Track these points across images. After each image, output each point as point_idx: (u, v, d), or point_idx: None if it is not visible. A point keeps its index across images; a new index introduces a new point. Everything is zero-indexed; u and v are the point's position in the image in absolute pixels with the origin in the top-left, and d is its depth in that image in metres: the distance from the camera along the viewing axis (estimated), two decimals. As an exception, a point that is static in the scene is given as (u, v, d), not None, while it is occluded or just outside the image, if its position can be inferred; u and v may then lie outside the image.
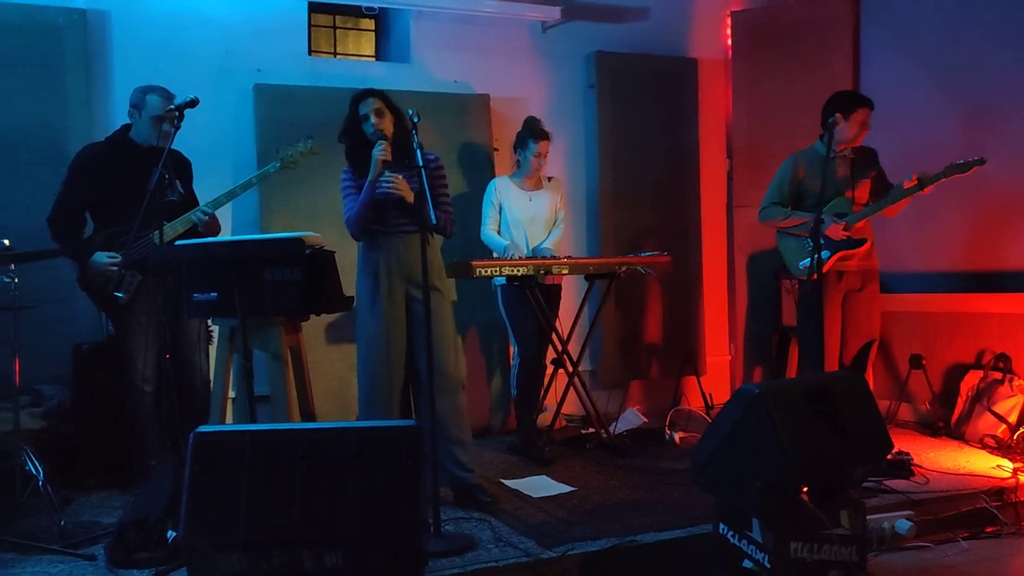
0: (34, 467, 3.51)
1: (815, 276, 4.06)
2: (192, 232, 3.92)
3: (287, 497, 2.32)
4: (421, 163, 3.25)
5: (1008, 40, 4.86)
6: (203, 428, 2.43)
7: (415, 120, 3.35)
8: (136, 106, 3.92)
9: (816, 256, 3.95)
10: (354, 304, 3.81)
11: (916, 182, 4.25)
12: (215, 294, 3.32)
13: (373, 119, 3.61)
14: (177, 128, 3.44)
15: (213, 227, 3.95)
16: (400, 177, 3.58)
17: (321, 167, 4.65)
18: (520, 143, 4.82)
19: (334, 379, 4.92)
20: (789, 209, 4.51)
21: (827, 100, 4.46)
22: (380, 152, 3.54)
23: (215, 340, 4.16)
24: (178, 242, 3.56)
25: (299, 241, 3.14)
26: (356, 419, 4.10)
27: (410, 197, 3.58)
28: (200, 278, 3.39)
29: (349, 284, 3.79)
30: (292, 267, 3.29)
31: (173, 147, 3.51)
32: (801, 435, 2.74)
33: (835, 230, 4.36)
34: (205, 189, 4.18)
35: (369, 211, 3.61)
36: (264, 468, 2.35)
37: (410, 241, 3.65)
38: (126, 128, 4.01)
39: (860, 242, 4.39)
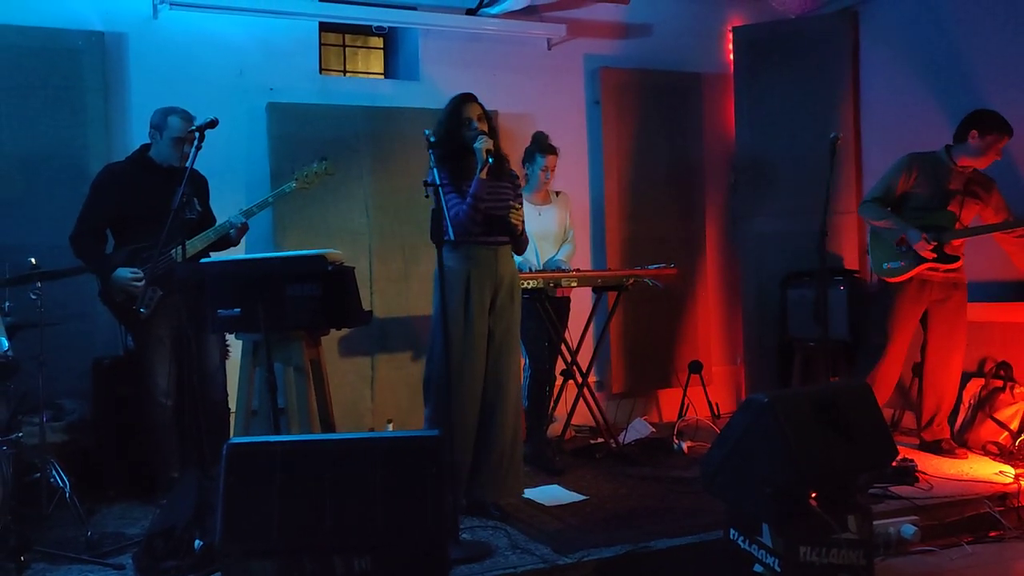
0: (60, 479, 3.60)
1: (892, 279, 4.40)
2: (215, 246, 4.03)
3: (317, 505, 2.41)
4: (437, 181, 3.35)
5: (1007, 54, 4.96)
6: (236, 440, 2.52)
7: (431, 140, 3.46)
8: (157, 127, 4.02)
9: (822, 276, 4.01)
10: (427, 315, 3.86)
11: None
12: (238, 309, 3.41)
13: (476, 123, 3.65)
14: (199, 148, 3.54)
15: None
16: (520, 208, 3.70)
17: (334, 184, 4.75)
18: (528, 158, 4.93)
19: (348, 391, 5.01)
20: (889, 211, 4.55)
21: (969, 114, 4.45)
22: (485, 143, 3.56)
23: (231, 355, 4.26)
24: (203, 259, 3.66)
25: (321, 258, 3.25)
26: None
27: (520, 226, 3.70)
28: (224, 294, 3.48)
29: (366, 300, 3.87)
30: (313, 283, 3.39)
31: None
32: (809, 442, 2.83)
33: (922, 247, 4.39)
34: (221, 206, 4.28)
35: (481, 203, 3.58)
36: (295, 478, 2.44)
37: (501, 252, 3.73)
38: (146, 148, 4.11)
39: (953, 259, 4.43)
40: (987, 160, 4.43)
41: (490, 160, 3.50)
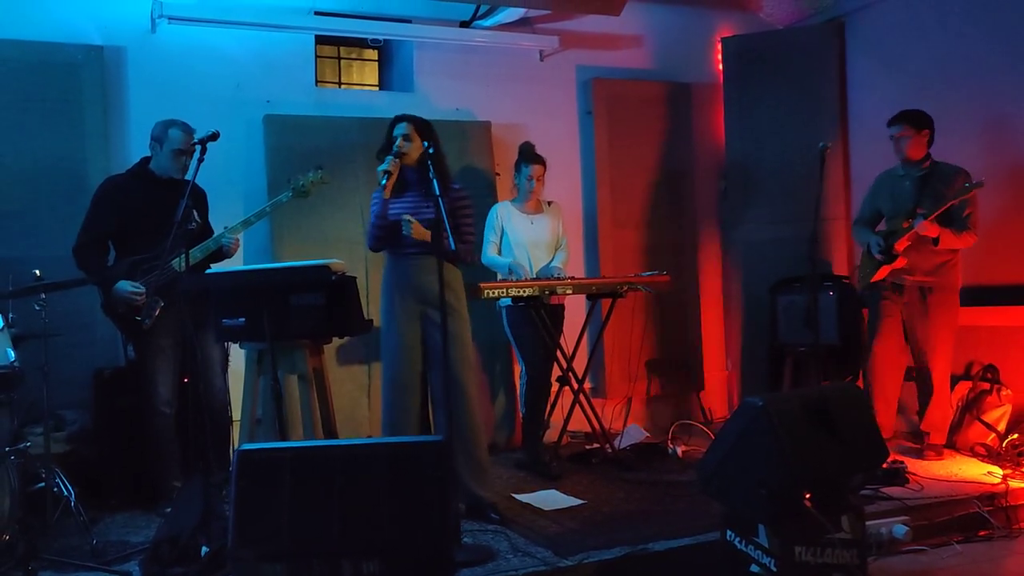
0: (65, 488, 3.64)
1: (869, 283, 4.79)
2: (210, 258, 4.08)
3: (326, 509, 2.47)
4: (438, 192, 3.41)
5: (988, 62, 5.07)
6: (246, 446, 2.58)
7: (430, 151, 3.53)
8: (157, 139, 4.08)
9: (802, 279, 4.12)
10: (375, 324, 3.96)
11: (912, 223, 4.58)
12: (243, 319, 3.47)
13: (399, 141, 3.77)
14: (201, 161, 3.57)
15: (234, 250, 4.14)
16: (416, 221, 3.73)
17: (330, 194, 4.80)
18: (516, 168, 5.02)
19: (345, 399, 5.06)
20: (868, 230, 4.91)
21: None
22: (384, 165, 3.72)
23: (230, 364, 4.30)
24: (206, 271, 3.71)
25: (325, 268, 3.31)
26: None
27: (427, 237, 3.71)
28: (229, 304, 3.53)
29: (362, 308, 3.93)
30: (317, 292, 3.45)
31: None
32: (802, 445, 2.90)
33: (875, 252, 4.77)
34: (219, 217, 4.33)
35: (382, 221, 3.77)
36: (304, 482, 2.50)
37: (423, 262, 3.78)
38: (146, 160, 4.16)
39: (892, 258, 4.68)
40: (898, 149, 4.75)
41: (383, 181, 3.69)
